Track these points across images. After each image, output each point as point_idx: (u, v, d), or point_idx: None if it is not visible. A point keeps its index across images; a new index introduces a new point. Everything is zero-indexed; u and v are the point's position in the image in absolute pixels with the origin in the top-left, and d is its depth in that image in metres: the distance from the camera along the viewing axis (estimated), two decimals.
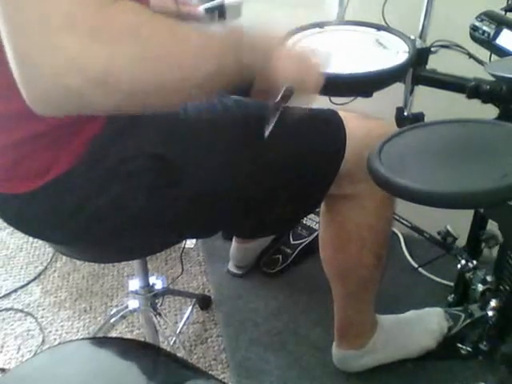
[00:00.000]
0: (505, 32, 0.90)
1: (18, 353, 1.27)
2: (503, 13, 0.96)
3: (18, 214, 0.74)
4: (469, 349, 1.10)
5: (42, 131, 0.66)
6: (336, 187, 0.85)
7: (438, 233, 1.15)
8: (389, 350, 1.11)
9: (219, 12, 1.40)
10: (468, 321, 1.10)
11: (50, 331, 1.32)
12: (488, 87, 0.88)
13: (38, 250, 1.58)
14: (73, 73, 0.46)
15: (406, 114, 1.10)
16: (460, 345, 1.11)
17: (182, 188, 0.74)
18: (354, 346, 1.09)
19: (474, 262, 1.08)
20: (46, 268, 1.52)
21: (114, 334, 1.27)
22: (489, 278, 1.03)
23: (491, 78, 0.84)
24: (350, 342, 1.10)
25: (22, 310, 1.38)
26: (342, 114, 0.84)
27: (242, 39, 0.59)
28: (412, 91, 1.08)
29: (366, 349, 1.09)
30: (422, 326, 1.14)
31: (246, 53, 0.59)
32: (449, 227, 1.13)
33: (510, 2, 0.98)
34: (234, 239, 1.40)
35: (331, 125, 0.83)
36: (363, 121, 0.86)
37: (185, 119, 0.75)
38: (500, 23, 0.92)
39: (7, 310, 1.39)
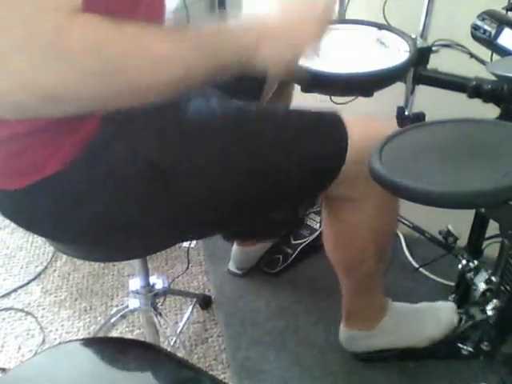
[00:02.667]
0: (506, 31, 0.90)
1: (18, 352, 1.27)
2: (505, 12, 0.96)
3: (15, 210, 0.75)
4: (470, 349, 1.10)
5: (39, 127, 0.66)
6: (336, 190, 0.84)
7: (439, 232, 1.14)
8: (397, 335, 1.11)
9: (219, 1, 1.40)
10: (469, 323, 1.10)
11: (51, 331, 1.32)
12: (489, 87, 0.88)
13: (38, 250, 1.58)
14: (23, 91, 0.49)
15: (406, 113, 1.10)
16: (461, 345, 1.11)
17: (176, 192, 0.73)
18: (361, 327, 1.10)
19: (475, 262, 1.08)
20: (46, 267, 1.51)
21: (114, 334, 1.26)
22: (490, 278, 1.03)
23: (492, 78, 0.84)
24: (358, 324, 1.10)
25: (22, 310, 1.38)
26: (346, 116, 0.83)
27: (217, 41, 0.61)
28: (413, 91, 1.08)
29: (374, 331, 1.10)
30: (433, 317, 1.14)
31: (223, 54, 0.61)
32: (450, 227, 1.13)
33: (511, 1, 0.98)
34: (235, 242, 1.40)
35: (333, 127, 0.83)
36: (365, 124, 0.85)
37: (182, 122, 0.75)
38: (501, 22, 0.92)
39: (7, 309, 1.39)
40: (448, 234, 1.12)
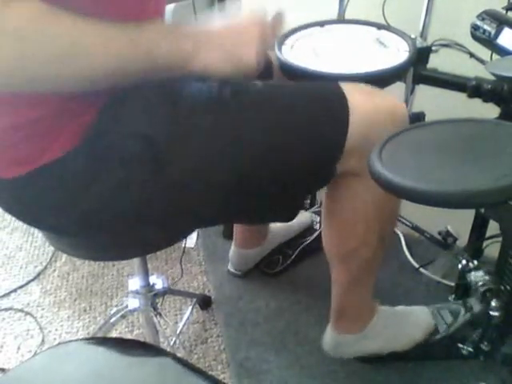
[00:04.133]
0: (506, 31, 0.90)
1: (17, 352, 1.27)
2: (504, 12, 0.96)
3: (11, 199, 0.75)
4: (470, 349, 1.10)
5: (34, 118, 0.67)
6: (344, 163, 0.82)
7: (439, 233, 1.14)
8: (383, 338, 1.11)
9: None
10: (468, 315, 1.09)
11: (50, 331, 1.32)
12: (489, 86, 0.88)
13: (38, 250, 1.58)
14: None
15: None
16: (461, 345, 1.11)
17: (172, 174, 0.73)
18: (351, 329, 1.09)
19: (475, 262, 1.08)
20: (45, 267, 1.51)
21: (113, 334, 1.27)
22: (490, 278, 1.02)
23: (492, 78, 0.84)
24: (348, 326, 1.09)
25: (21, 310, 1.38)
26: (345, 87, 0.81)
27: (154, 40, 0.65)
28: (413, 90, 1.09)
29: (364, 333, 1.09)
30: (412, 319, 1.14)
31: (161, 52, 0.65)
32: (449, 227, 1.13)
33: (511, 1, 0.98)
34: (233, 243, 1.39)
35: (334, 97, 0.80)
36: (369, 95, 0.82)
37: (178, 101, 0.75)
38: (501, 22, 0.92)
39: (7, 309, 1.39)
40: (447, 234, 1.12)
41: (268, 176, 0.78)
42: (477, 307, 1.07)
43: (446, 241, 1.13)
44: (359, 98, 0.80)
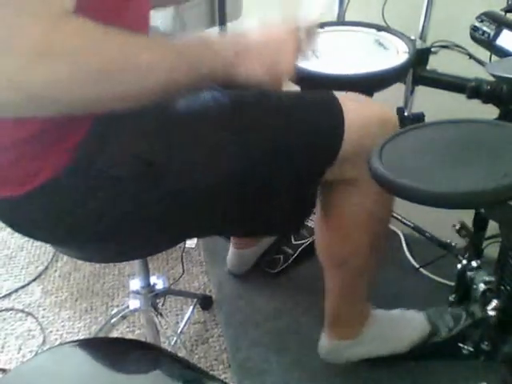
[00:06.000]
0: (505, 32, 0.90)
1: (18, 353, 1.27)
2: (503, 13, 0.96)
3: (10, 216, 0.76)
4: (470, 349, 1.10)
5: (24, 138, 0.66)
6: (337, 172, 0.83)
7: (453, 225, 1.12)
8: (378, 343, 1.11)
9: (219, 4, 1.39)
10: (469, 321, 1.10)
11: (51, 331, 1.33)
12: (488, 87, 0.88)
13: (39, 250, 1.58)
14: (8, 91, 0.51)
15: (406, 114, 1.11)
16: (461, 345, 1.11)
17: (171, 187, 0.72)
18: (345, 335, 1.09)
19: (475, 262, 1.08)
20: (46, 268, 1.52)
21: (114, 334, 1.27)
22: (490, 278, 1.03)
23: (491, 79, 0.84)
24: (342, 332, 1.09)
25: (22, 310, 1.38)
26: (339, 96, 0.82)
27: (198, 52, 0.64)
28: (412, 91, 1.09)
29: (358, 339, 1.09)
30: (407, 321, 1.15)
31: (206, 63, 0.64)
32: (464, 221, 1.11)
33: (510, 3, 0.98)
34: (230, 244, 1.39)
35: (329, 106, 0.81)
36: (362, 104, 0.84)
37: (172, 114, 0.74)
38: (500, 24, 0.92)
39: (8, 310, 1.39)
40: (462, 226, 1.10)
41: (268, 184, 0.79)
42: (478, 313, 1.07)
43: (459, 234, 1.11)
44: (352, 107, 0.81)
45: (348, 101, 0.82)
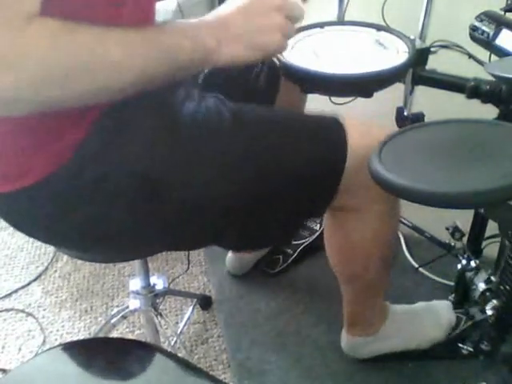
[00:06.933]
0: (504, 32, 0.90)
1: (18, 353, 1.27)
2: (503, 13, 0.96)
3: (4, 211, 0.75)
4: (470, 348, 1.10)
5: (6, 131, 0.66)
6: (338, 200, 0.82)
7: (447, 228, 1.13)
8: (399, 338, 1.11)
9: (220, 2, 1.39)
10: (469, 323, 1.10)
11: (51, 331, 1.33)
12: (488, 87, 0.88)
13: (39, 250, 1.59)
14: None
15: (406, 114, 1.10)
16: (461, 345, 1.11)
17: (168, 201, 0.72)
18: (363, 333, 1.10)
19: (475, 261, 1.08)
20: (46, 268, 1.52)
21: (114, 335, 1.27)
22: (489, 278, 1.03)
23: (491, 78, 0.84)
24: (361, 331, 1.10)
25: (22, 311, 1.39)
26: (343, 121, 0.81)
27: (175, 40, 0.63)
28: (412, 91, 1.09)
29: (377, 336, 1.10)
30: (432, 318, 1.14)
31: (185, 52, 0.63)
32: (458, 223, 1.12)
33: (509, 2, 0.98)
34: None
35: (332, 132, 0.80)
36: (365, 130, 0.82)
37: (174, 128, 0.73)
38: (499, 23, 0.92)
39: (8, 310, 1.39)
40: (455, 229, 1.11)
41: (266, 200, 0.78)
42: (478, 316, 1.07)
43: (453, 236, 1.12)
44: (355, 133, 0.80)
45: (354, 129, 0.80)
